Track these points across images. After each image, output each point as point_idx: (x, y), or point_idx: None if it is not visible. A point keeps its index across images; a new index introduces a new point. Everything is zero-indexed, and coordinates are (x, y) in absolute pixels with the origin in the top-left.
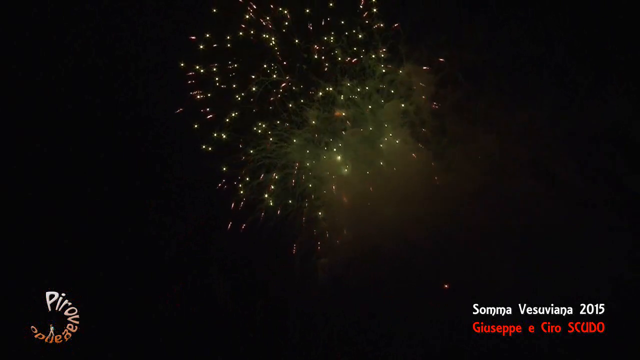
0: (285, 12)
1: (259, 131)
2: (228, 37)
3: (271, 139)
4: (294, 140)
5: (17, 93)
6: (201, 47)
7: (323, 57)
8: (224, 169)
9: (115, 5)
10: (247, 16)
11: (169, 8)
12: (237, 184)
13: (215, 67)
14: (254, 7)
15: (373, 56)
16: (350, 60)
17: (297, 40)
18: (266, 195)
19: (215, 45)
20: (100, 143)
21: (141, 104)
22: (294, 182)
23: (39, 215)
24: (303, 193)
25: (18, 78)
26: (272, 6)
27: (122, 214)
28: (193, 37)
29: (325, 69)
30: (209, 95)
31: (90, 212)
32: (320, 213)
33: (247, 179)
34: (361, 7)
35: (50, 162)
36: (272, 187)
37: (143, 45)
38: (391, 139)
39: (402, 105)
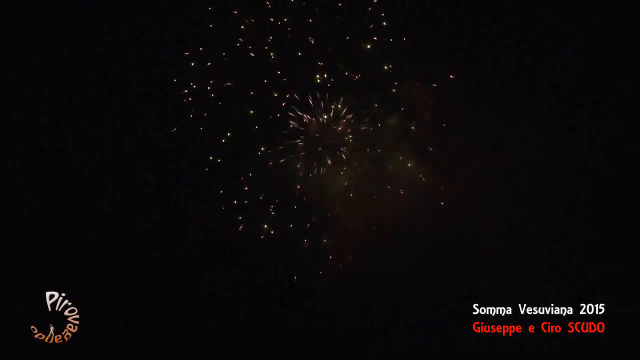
0: (286, 20)
1: (259, 152)
2: (224, 53)
3: (271, 162)
4: (298, 164)
5: (18, 94)
6: (192, 64)
7: (326, 75)
8: (221, 191)
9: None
10: (242, 26)
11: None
12: (236, 205)
13: (211, 84)
14: (252, 20)
15: (385, 67)
16: (353, 76)
17: (299, 53)
18: (265, 226)
19: (209, 64)
20: (100, 143)
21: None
22: (296, 205)
23: (39, 214)
24: (304, 210)
25: (18, 80)
26: (272, 19)
27: (122, 214)
28: (187, 53)
29: (329, 85)
30: (205, 114)
31: (91, 212)
32: (325, 240)
33: (246, 201)
34: (366, 20)
35: (49, 162)
36: (272, 212)
37: (141, 48)
38: (394, 155)
39: (405, 120)
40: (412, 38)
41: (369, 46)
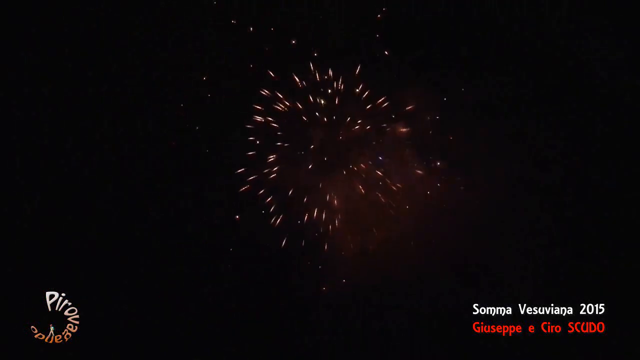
0: (289, 27)
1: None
2: (222, 63)
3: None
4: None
5: (18, 94)
6: (193, 65)
7: (331, 90)
8: (222, 193)
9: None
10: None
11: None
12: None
13: (212, 86)
14: (252, 29)
15: (399, 79)
16: (356, 88)
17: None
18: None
19: (204, 78)
20: (100, 142)
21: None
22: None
23: (39, 214)
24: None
25: (19, 80)
26: (272, 28)
27: (122, 214)
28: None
29: (329, 92)
30: (206, 117)
31: (91, 212)
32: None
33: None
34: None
35: (49, 162)
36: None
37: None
38: (397, 163)
39: (407, 128)
40: (420, 49)
41: (379, 55)
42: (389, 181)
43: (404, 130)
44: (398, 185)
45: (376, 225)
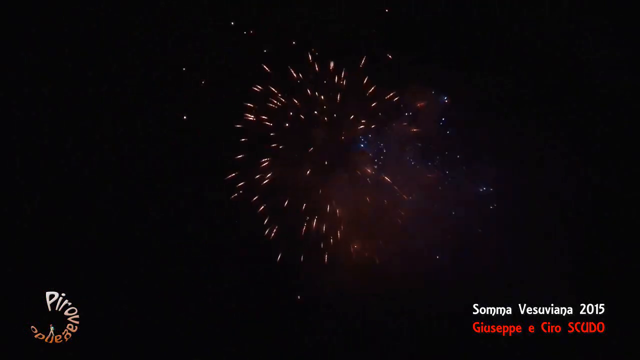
0: (290, 27)
1: (262, 166)
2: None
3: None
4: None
5: (18, 94)
6: (193, 66)
7: (331, 86)
8: (222, 194)
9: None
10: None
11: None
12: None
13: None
14: (251, 31)
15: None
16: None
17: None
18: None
19: (203, 82)
20: (100, 142)
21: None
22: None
23: (39, 214)
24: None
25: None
26: (272, 30)
27: (122, 214)
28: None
29: (330, 93)
30: (206, 117)
31: (91, 212)
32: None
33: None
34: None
35: (50, 161)
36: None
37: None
38: (399, 162)
39: (409, 126)
40: (420, 49)
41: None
42: (396, 187)
43: (405, 130)
44: (401, 185)
45: (379, 230)
